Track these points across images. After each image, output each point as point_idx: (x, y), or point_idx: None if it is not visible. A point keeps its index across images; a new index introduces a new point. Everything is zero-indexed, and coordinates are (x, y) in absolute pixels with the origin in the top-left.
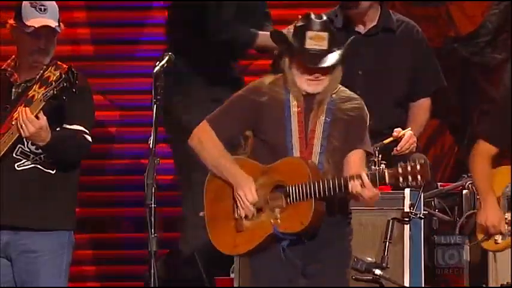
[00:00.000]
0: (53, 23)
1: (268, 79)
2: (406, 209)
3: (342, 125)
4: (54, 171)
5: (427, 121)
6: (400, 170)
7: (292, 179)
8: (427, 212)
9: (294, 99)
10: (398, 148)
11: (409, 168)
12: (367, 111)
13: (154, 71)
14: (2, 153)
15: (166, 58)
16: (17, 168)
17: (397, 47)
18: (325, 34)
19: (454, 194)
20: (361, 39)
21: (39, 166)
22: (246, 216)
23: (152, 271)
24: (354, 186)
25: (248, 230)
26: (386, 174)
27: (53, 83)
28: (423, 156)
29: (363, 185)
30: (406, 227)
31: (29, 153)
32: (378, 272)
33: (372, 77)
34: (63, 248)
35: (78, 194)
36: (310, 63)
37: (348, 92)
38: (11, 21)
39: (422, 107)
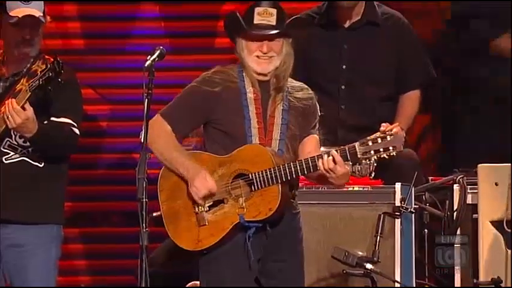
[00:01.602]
0: (37, 13)
1: (220, 68)
2: (397, 203)
3: (297, 112)
4: (43, 164)
5: (416, 113)
6: (370, 143)
7: (254, 166)
8: (417, 206)
9: (249, 85)
10: None
11: (379, 140)
12: (317, 102)
13: (146, 64)
14: None
15: (158, 52)
16: (5, 162)
17: (381, 39)
18: (273, 10)
19: (445, 188)
20: (344, 33)
21: (27, 159)
22: (207, 209)
23: (144, 265)
24: (326, 162)
25: (211, 222)
26: (357, 148)
27: (39, 73)
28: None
29: (334, 161)
30: (397, 221)
31: (16, 147)
32: (369, 266)
33: (357, 72)
34: (51, 242)
35: (69, 188)
36: (258, 33)
37: (298, 82)
38: None
39: (411, 99)
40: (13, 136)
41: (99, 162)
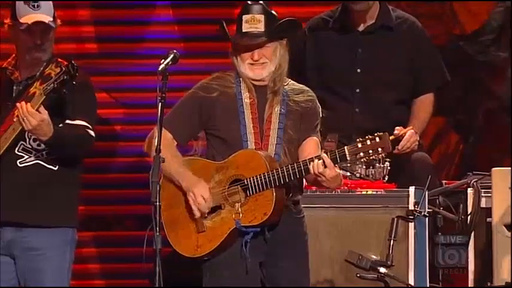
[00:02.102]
0: (47, 19)
1: (217, 74)
2: (411, 207)
3: (296, 116)
4: (57, 167)
5: (430, 117)
6: (359, 145)
7: (248, 172)
8: (431, 210)
9: (245, 90)
10: (399, 147)
11: (368, 142)
12: (319, 104)
13: (160, 68)
14: (4, 148)
15: (171, 56)
16: (19, 165)
17: (396, 43)
18: (260, 16)
19: (458, 192)
20: (358, 37)
21: (41, 162)
22: (204, 216)
23: (157, 269)
24: (315, 166)
25: (209, 229)
26: (346, 151)
27: (53, 76)
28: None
29: (324, 164)
30: (411, 225)
31: (31, 150)
32: (382, 270)
33: (371, 75)
34: (66, 245)
35: (82, 192)
36: (245, 42)
37: (299, 85)
38: (7, 21)
39: (424, 103)
40: (27, 139)
41: (113, 166)
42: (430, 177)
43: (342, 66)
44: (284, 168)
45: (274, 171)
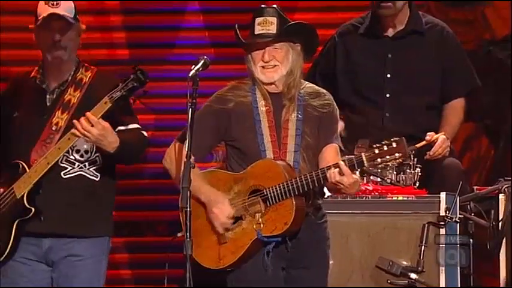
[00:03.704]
0: (62, 12)
1: (233, 84)
2: (442, 213)
3: (314, 121)
4: (98, 178)
5: (461, 122)
6: (376, 151)
7: (267, 182)
8: (462, 216)
9: (261, 99)
10: (431, 153)
11: (385, 148)
12: (336, 107)
13: (190, 74)
14: (57, 159)
15: (202, 62)
16: (63, 177)
17: (426, 48)
18: (273, 19)
19: (490, 197)
20: (388, 42)
21: (84, 173)
22: (227, 229)
23: (188, 274)
24: (333, 174)
25: (231, 240)
26: (364, 157)
27: (120, 83)
28: (403, 138)
29: (341, 172)
30: (442, 231)
31: (74, 161)
32: (413, 276)
33: (401, 80)
34: (103, 254)
35: (115, 198)
36: (255, 42)
37: (316, 88)
38: (31, 26)
39: (455, 108)
40: (70, 151)
41: (144, 172)
42: (461, 183)
43: (372, 71)
44: (303, 177)
45: (293, 180)
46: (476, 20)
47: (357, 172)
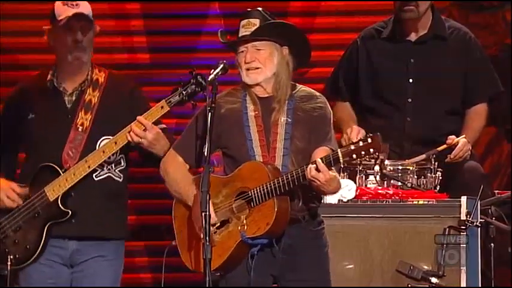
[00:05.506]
0: (85, 11)
1: (229, 90)
2: (463, 217)
3: (304, 125)
4: (121, 179)
5: (483, 127)
6: (352, 147)
7: (252, 183)
8: (483, 220)
9: (251, 104)
10: (452, 156)
11: (360, 143)
12: (330, 109)
13: (209, 78)
14: (101, 161)
15: (221, 66)
16: (95, 179)
17: (449, 54)
18: (256, 20)
19: (511, 201)
20: (411, 47)
21: (111, 175)
22: (215, 230)
23: (207, 278)
24: (309, 170)
25: (218, 243)
26: (339, 153)
27: (179, 88)
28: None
29: (317, 168)
30: (463, 235)
31: (103, 163)
32: (434, 280)
33: (424, 85)
34: (122, 256)
35: (134, 202)
36: (237, 42)
37: (309, 91)
38: (46, 27)
39: (477, 113)
40: None
41: None
42: (482, 187)
43: (394, 75)
44: (284, 176)
45: (275, 180)
46: (497, 24)
47: (334, 169)
